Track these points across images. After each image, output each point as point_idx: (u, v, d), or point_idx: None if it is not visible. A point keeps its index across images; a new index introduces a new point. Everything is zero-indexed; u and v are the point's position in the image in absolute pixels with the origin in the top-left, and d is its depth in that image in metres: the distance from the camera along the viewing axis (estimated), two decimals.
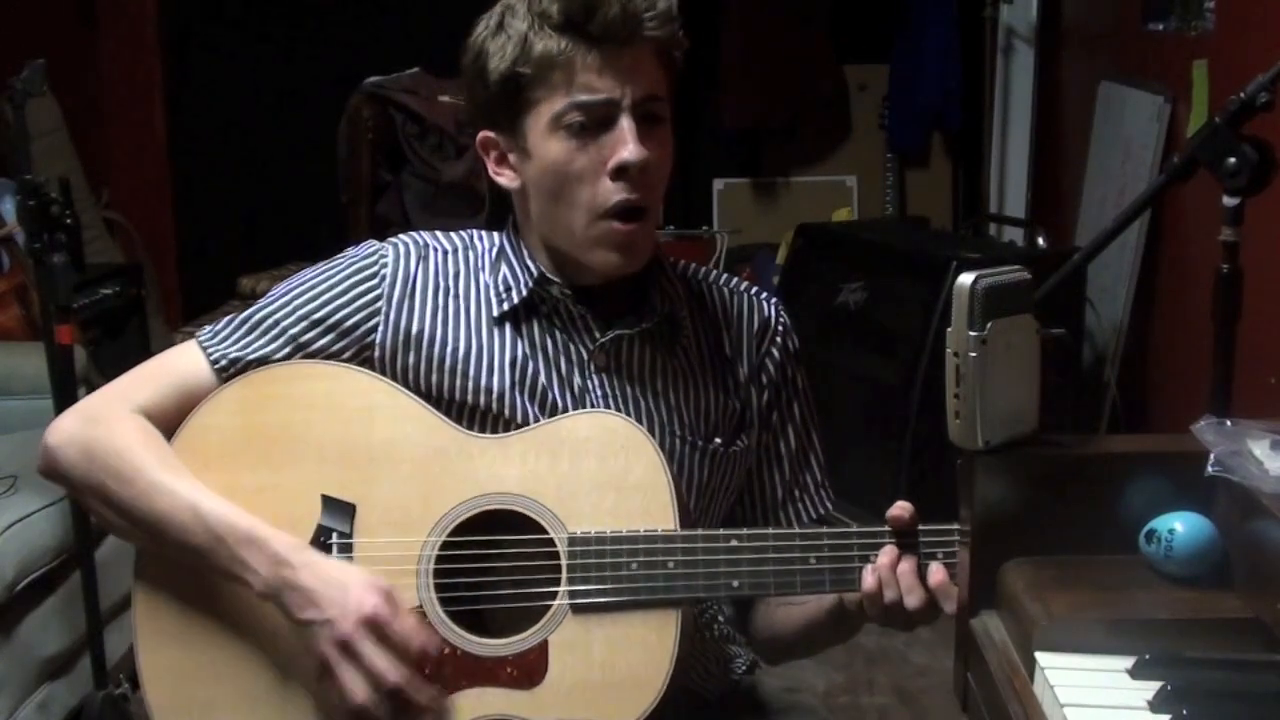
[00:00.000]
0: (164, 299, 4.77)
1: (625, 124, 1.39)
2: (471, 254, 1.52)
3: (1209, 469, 1.20)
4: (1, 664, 2.44)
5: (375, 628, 1.31)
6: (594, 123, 1.39)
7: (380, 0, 4.92)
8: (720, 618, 1.62)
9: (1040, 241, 4.26)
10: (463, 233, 1.55)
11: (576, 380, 1.47)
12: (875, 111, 5.21)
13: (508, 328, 1.48)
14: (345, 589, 1.32)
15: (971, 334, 1.22)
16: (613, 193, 1.40)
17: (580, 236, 1.43)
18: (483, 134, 1.48)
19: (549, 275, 1.47)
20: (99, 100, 4.79)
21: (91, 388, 2.98)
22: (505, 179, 1.48)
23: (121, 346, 4.00)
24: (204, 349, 1.46)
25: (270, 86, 4.88)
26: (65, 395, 2.42)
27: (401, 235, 1.54)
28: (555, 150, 1.40)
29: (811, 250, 4.04)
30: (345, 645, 1.31)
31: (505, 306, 1.47)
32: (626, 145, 1.38)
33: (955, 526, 1.36)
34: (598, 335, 1.47)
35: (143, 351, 4.04)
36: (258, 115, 4.90)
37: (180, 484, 1.38)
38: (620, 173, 1.39)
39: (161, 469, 1.39)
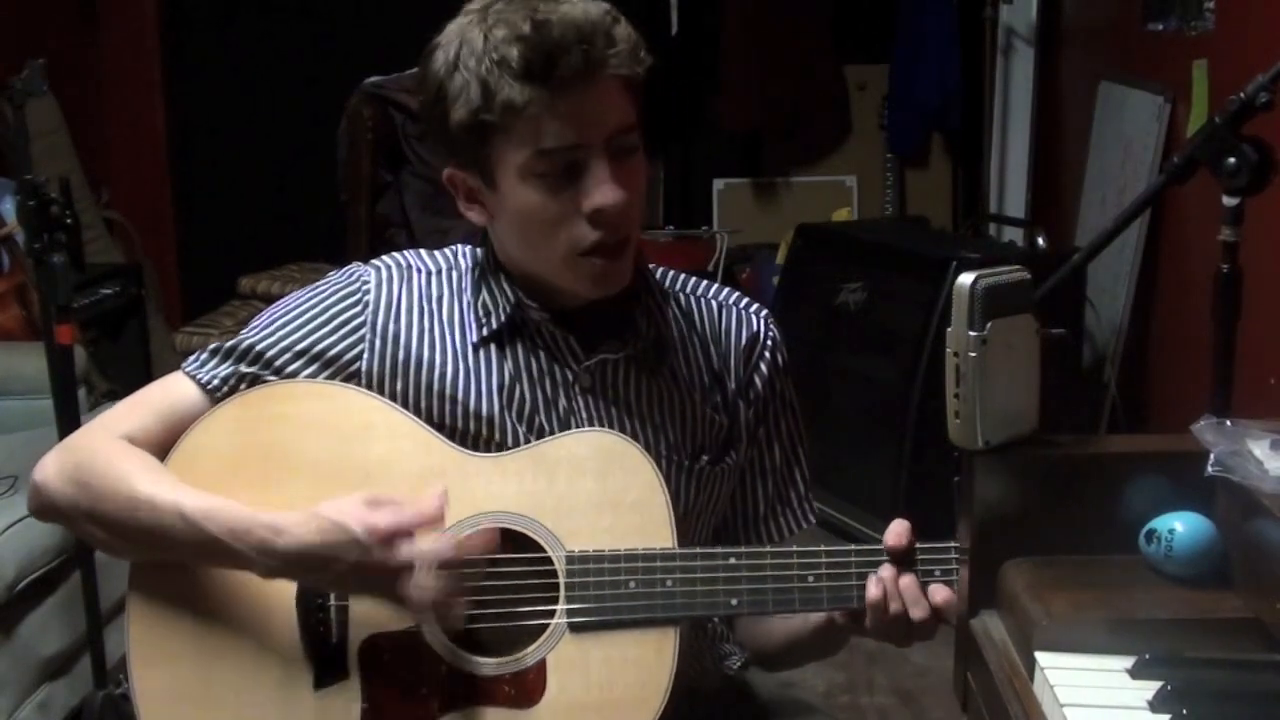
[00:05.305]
0: (164, 299, 4.77)
1: (598, 167, 1.35)
2: (455, 274, 1.50)
3: (1209, 469, 1.20)
4: (1, 664, 2.44)
5: (390, 536, 1.30)
6: (565, 168, 1.35)
7: (380, 0, 4.92)
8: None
9: (1040, 241, 4.26)
10: (447, 250, 1.53)
11: (562, 402, 1.45)
12: (875, 111, 5.21)
13: (493, 350, 1.45)
14: (342, 528, 1.30)
15: (971, 334, 1.22)
16: (590, 234, 1.37)
17: (557, 270, 1.40)
18: (449, 171, 1.44)
19: (526, 300, 1.44)
20: (99, 100, 4.79)
21: (91, 388, 2.99)
22: (475, 214, 1.45)
23: (121, 346, 4.01)
24: (192, 377, 1.44)
25: (270, 86, 4.88)
26: (65, 395, 2.41)
27: (384, 257, 1.52)
28: (527, 197, 1.36)
29: (811, 250, 4.03)
30: (383, 568, 1.30)
31: (485, 331, 1.45)
32: (601, 189, 1.35)
33: (953, 544, 1.36)
34: (582, 358, 1.46)
35: (143, 351, 4.05)
36: (258, 115, 4.90)
37: (163, 490, 1.36)
38: (597, 215, 1.36)
39: (143, 477, 1.37)
